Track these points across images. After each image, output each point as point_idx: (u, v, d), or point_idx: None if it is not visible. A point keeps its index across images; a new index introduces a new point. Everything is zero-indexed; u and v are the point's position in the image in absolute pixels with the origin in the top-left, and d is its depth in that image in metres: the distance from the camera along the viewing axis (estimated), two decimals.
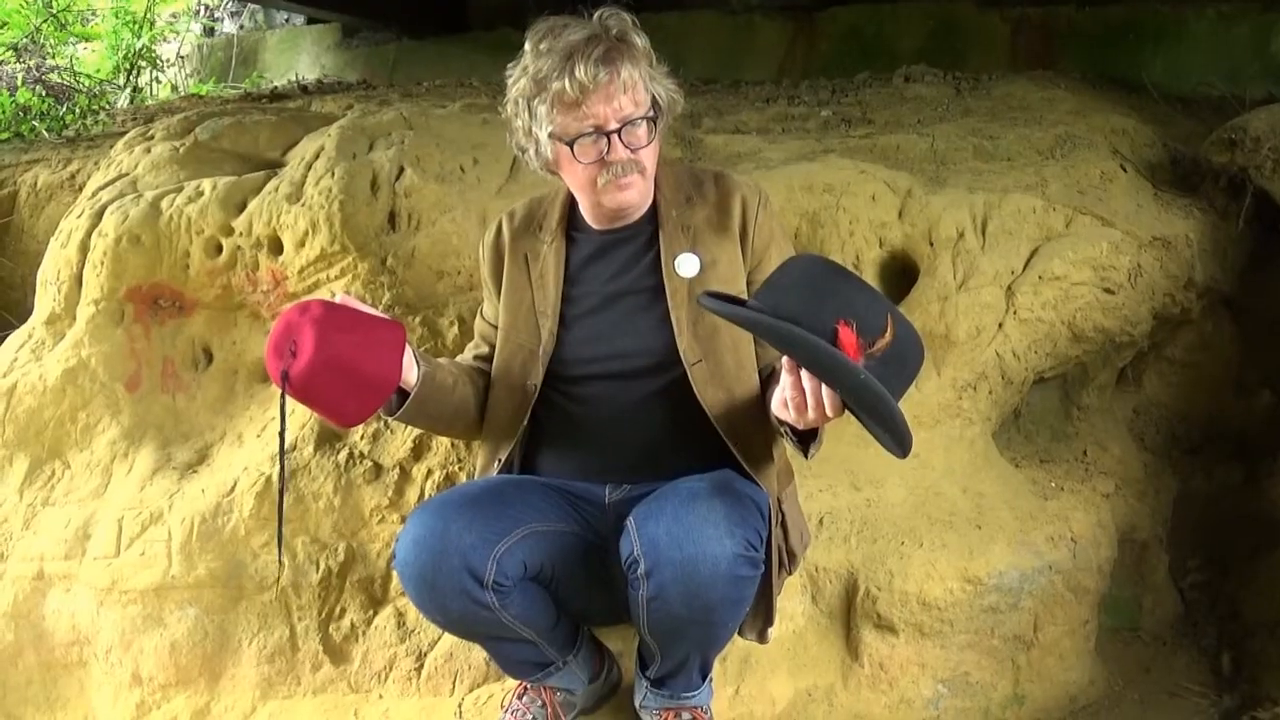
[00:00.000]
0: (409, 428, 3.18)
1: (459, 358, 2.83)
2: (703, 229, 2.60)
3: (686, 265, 2.56)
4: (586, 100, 2.40)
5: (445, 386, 2.59)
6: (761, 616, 2.64)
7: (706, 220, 2.61)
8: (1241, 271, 3.70)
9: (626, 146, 2.45)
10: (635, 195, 2.54)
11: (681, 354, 2.53)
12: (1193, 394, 3.80)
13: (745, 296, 2.52)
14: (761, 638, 2.69)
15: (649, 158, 2.51)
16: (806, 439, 2.36)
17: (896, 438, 2.18)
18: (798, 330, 2.11)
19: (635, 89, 2.43)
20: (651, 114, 2.47)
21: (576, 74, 2.37)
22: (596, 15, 2.46)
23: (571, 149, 2.47)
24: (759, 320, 2.18)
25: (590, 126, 2.43)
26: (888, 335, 2.13)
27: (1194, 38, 4.93)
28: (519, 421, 2.63)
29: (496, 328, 2.73)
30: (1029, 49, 5.33)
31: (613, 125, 2.43)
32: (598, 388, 2.59)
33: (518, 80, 2.50)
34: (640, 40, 2.47)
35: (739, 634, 2.65)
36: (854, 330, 2.11)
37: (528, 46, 2.47)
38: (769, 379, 2.53)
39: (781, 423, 2.33)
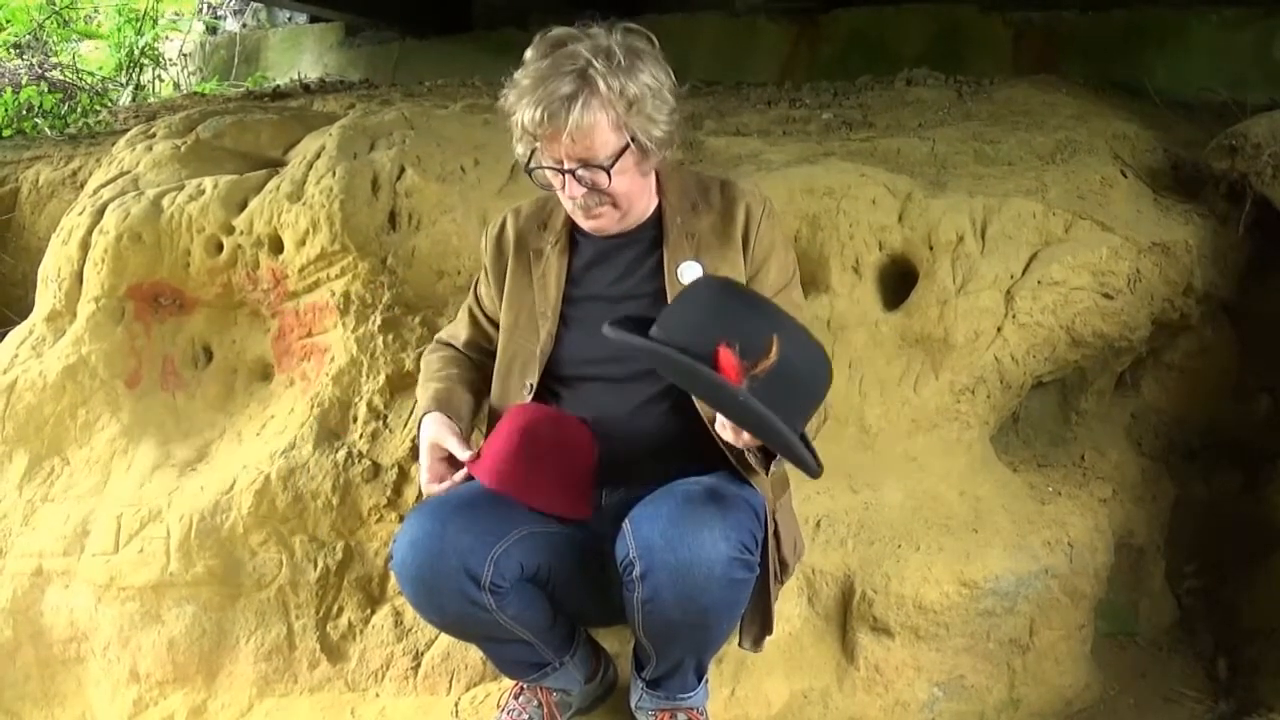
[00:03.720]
0: (408, 427, 3.20)
1: (445, 341, 2.88)
2: (707, 237, 2.60)
3: (689, 272, 2.56)
4: (543, 138, 2.41)
5: (471, 411, 2.72)
6: (758, 624, 2.64)
7: (711, 228, 2.61)
8: (1241, 278, 3.69)
9: (586, 185, 2.44)
10: (607, 224, 2.55)
11: None
12: (1191, 400, 3.80)
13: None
14: (757, 646, 2.68)
15: (620, 190, 2.48)
16: (769, 454, 2.39)
17: (794, 458, 2.21)
18: (675, 355, 2.15)
19: (594, 133, 2.38)
20: (609, 161, 2.41)
21: (530, 115, 2.38)
22: (589, 43, 2.41)
23: (531, 176, 2.51)
24: (643, 346, 2.22)
25: (550, 160, 2.44)
26: (771, 355, 2.13)
27: (1196, 43, 4.93)
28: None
29: (484, 312, 2.78)
30: (1031, 53, 5.33)
31: (568, 165, 2.42)
32: (596, 391, 2.59)
33: (505, 95, 2.51)
34: (614, 84, 2.38)
35: (737, 642, 2.66)
36: (735, 352, 2.12)
37: (526, 56, 2.47)
38: None
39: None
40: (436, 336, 2.96)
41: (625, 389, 2.57)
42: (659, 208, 2.64)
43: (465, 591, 2.38)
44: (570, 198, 2.47)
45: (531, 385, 2.61)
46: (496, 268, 2.75)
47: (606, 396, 2.58)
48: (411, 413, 3.23)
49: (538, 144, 2.44)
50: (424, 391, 2.73)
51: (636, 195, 2.56)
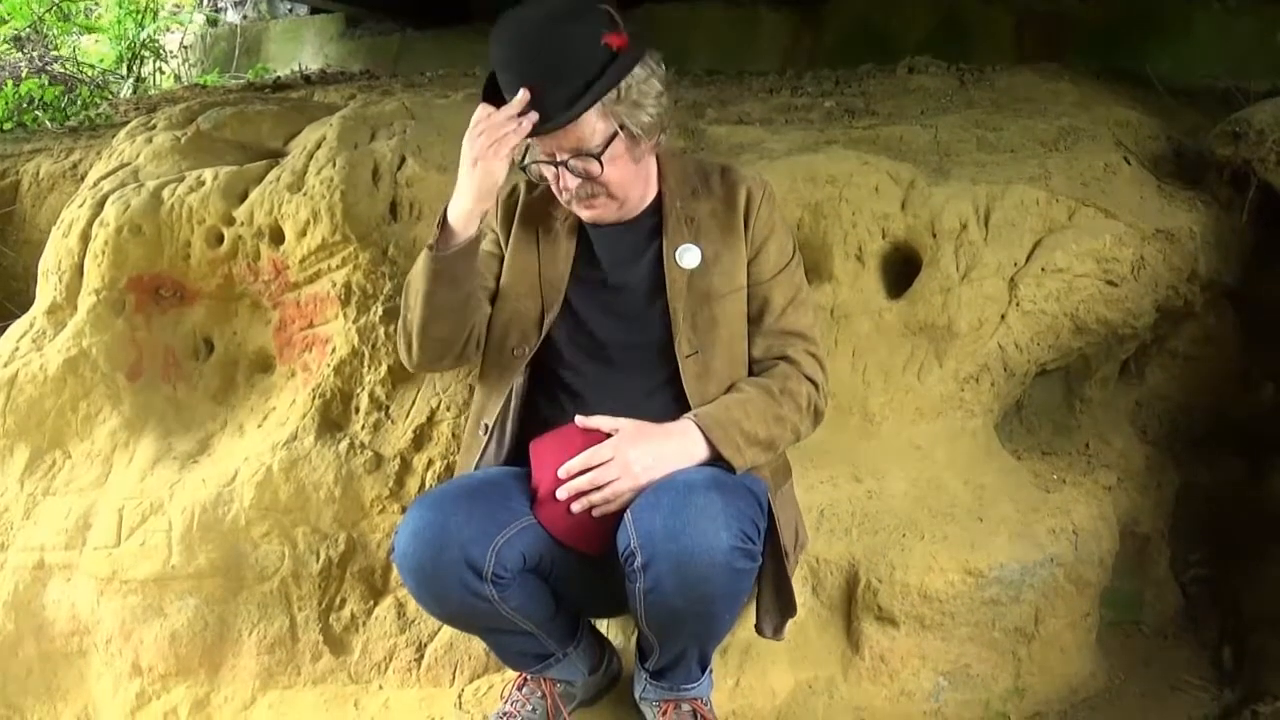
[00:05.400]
0: (410, 418, 3.19)
1: None
2: (707, 221, 2.60)
3: (688, 257, 2.57)
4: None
5: (478, 271, 2.60)
6: (776, 611, 2.61)
7: (711, 213, 2.62)
8: (1245, 264, 3.68)
9: (580, 175, 2.46)
10: (604, 213, 2.56)
11: (676, 346, 2.53)
12: (1196, 387, 3.79)
13: (745, 286, 2.60)
14: (778, 634, 2.65)
15: (614, 179, 2.49)
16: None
17: None
18: None
19: (581, 124, 2.39)
20: (600, 149, 2.42)
21: None
22: None
23: (526, 172, 2.54)
24: None
25: (541, 154, 2.46)
26: None
27: (1199, 31, 4.92)
28: (507, 384, 2.64)
29: (488, 252, 2.73)
30: (1033, 41, 5.33)
31: (560, 157, 2.44)
32: (597, 377, 2.59)
33: None
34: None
35: (756, 630, 2.65)
36: None
37: None
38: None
39: None
40: None
41: (627, 376, 2.58)
42: (659, 194, 2.64)
43: (467, 583, 2.38)
44: (565, 189, 2.48)
45: (527, 351, 2.62)
46: (504, 224, 2.75)
47: (609, 383, 2.59)
48: (413, 404, 3.22)
49: (530, 138, 2.44)
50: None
51: (631, 183, 2.55)
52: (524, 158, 2.51)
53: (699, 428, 2.45)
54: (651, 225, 2.64)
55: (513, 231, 2.72)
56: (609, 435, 2.46)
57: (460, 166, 2.43)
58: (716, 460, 2.44)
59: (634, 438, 2.43)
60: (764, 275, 2.61)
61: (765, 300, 2.61)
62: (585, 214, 2.56)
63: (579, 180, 2.47)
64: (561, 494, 2.41)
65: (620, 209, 2.58)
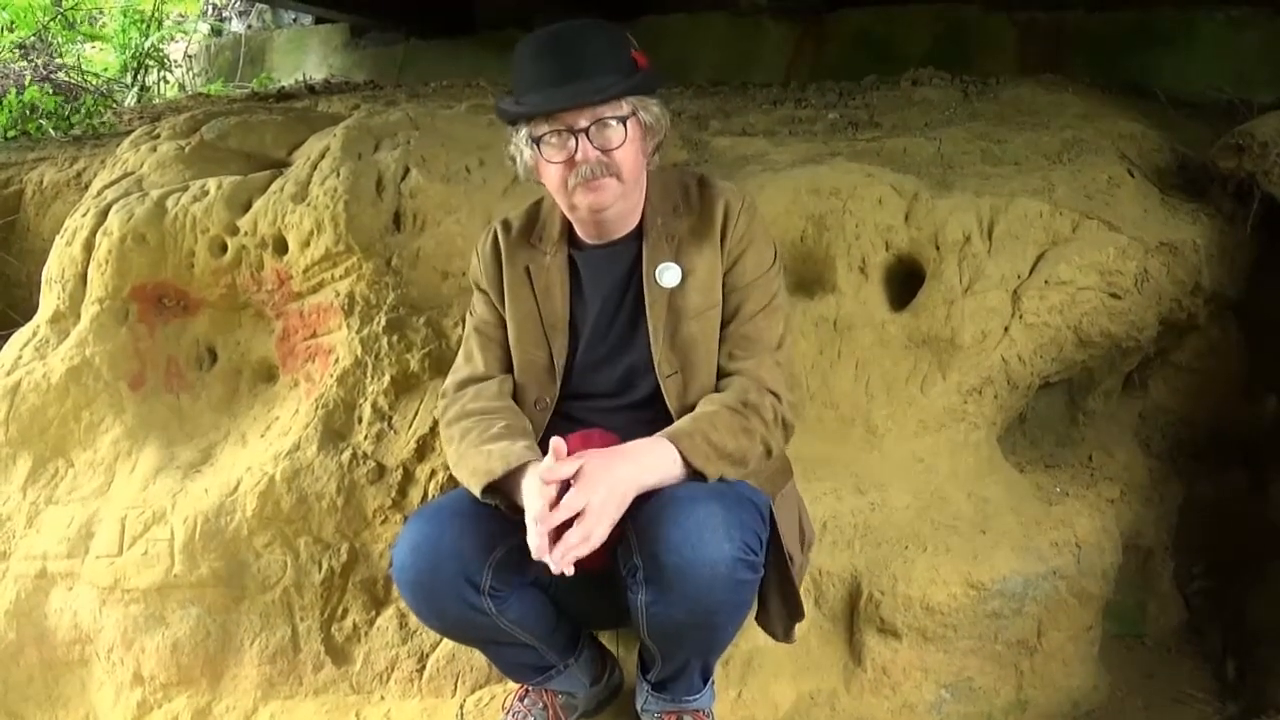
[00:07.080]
0: (412, 428, 3.19)
1: (467, 379, 2.68)
2: (686, 238, 2.56)
3: (668, 275, 2.52)
4: None
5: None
6: (785, 613, 2.58)
7: (690, 229, 2.57)
8: (1249, 277, 3.68)
9: (598, 147, 2.42)
10: (609, 197, 2.47)
11: (656, 365, 2.52)
12: (1199, 400, 3.79)
13: (720, 301, 2.55)
14: (788, 635, 2.62)
15: (626, 162, 2.45)
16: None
17: None
18: None
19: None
20: (623, 116, 2.42)
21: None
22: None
23: (539, 147, 2.45)
24: None
25: (561, 125, 2.41)
26: None
27: (1203, 42, 4.92)
28: (536, 436, 2.55)
29: (494, 328, 2.69)
30: (1037, 53, 5.33)
31: (582, 124, 2.40)
32: (598, 402, 2.57)
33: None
34: None
35: (766, 632, 2.63)
36: None
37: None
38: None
39: None
40: (451, 390, 2.69)
41: (623, 398, 2.56)
42: (643, 214, 2.61)
43: (464, 596, 2.38)
44: (585, 160, 2.42)
45: (549, 401, 2.58)
46: (494, 279, 2.68)
47: (607, 406, 2.56)
48: (416, 415, 3.22)
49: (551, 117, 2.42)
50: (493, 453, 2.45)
51: (638, 175, 2.53)
52: (525, 129, 2.47)
53: (668, 440, 2.39)
54: (635, 246, 2.60)
55: (505, 280, 2.66)
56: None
57: (537, 500, 2.28)
58: (690, 472, 2.38)
59: (595, 479, 2.28)
60: (739, 283, 2.56)
61: (738, 306, 2.56)
62: (587, 199, 2.47)
63: (597, 153, 2.42)
64: (554, 566, 2.24)
65: (623, 199, 2.51)
